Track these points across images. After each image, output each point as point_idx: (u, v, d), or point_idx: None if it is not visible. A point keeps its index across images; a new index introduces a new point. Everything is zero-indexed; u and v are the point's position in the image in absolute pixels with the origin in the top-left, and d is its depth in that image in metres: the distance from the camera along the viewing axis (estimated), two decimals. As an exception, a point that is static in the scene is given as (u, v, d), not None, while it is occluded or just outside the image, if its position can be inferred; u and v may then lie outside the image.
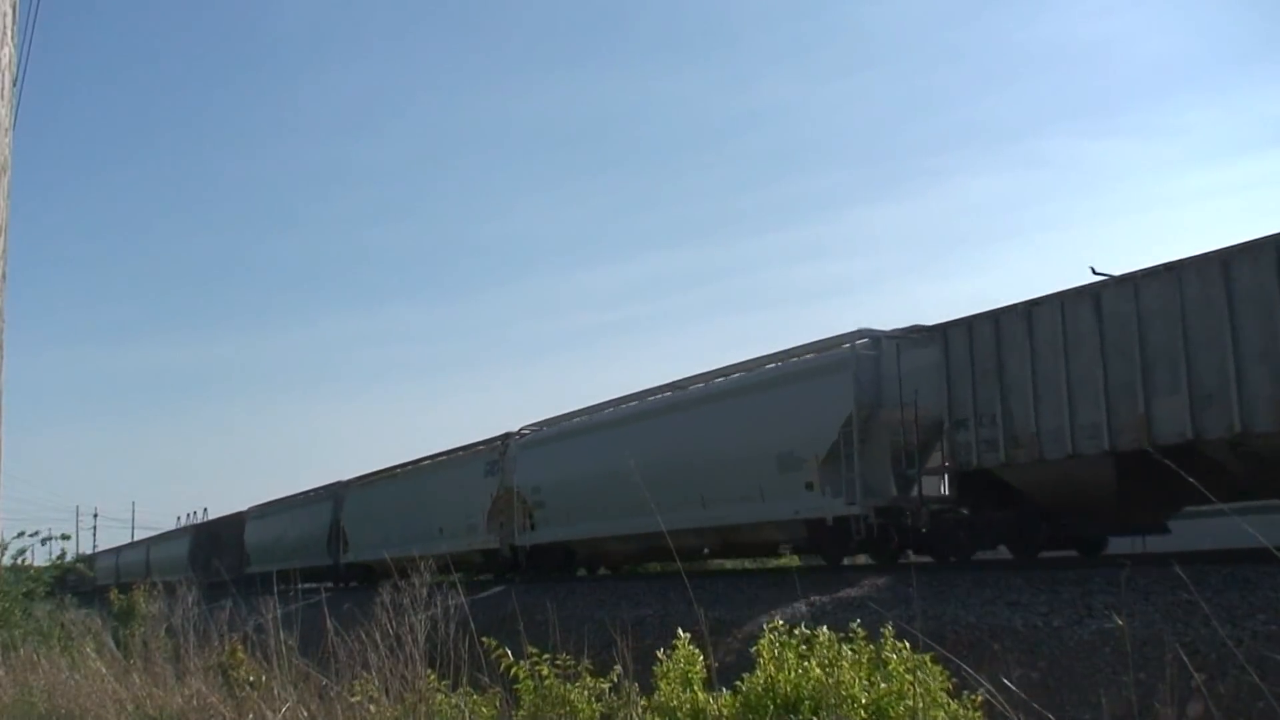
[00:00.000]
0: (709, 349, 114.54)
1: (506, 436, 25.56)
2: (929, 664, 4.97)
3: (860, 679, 4.90)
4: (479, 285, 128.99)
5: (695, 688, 5.35)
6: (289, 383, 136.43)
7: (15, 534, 17.78)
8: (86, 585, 57.20)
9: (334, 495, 34.77)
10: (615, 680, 5.80)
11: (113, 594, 24.08)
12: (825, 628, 5.39)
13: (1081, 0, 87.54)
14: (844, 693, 4.78)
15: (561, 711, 5.77)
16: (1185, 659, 8.07)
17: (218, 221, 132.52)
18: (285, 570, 35.51)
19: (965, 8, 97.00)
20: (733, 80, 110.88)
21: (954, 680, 5.12)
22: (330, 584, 33.14)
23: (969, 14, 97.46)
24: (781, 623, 5.51)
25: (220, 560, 41.39)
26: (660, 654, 5.65)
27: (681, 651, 5.58)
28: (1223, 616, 8.96)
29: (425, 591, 6.99)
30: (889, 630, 5.25)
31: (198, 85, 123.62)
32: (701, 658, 5.56)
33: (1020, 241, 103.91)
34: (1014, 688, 4.61)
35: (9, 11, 5.36)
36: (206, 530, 47.02)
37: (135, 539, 67.85)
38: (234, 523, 43.79)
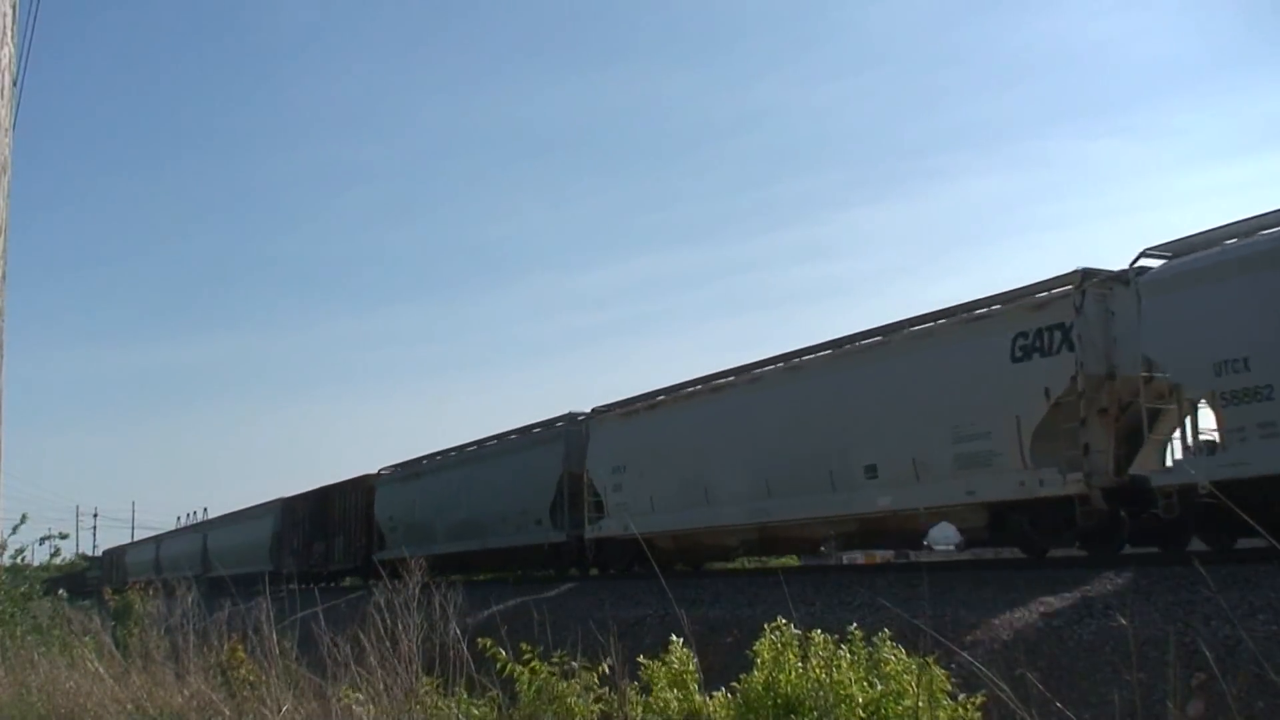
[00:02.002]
0: (710, 349, 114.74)
1: (1084, 278, 12.36)
2: (932, 665, 4.96)
3: (859, 680, 4.90)
4: (479, 285, 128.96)
5: (691, 689, 5.35)
6: (289, 383, 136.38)
7: (13, 527, 17.54)
8: (114, 582, 51.45)
9: (564, 435, 21.78)
10: (606, 671, 5.80)
11: (107, 592, 22.15)
12: (819, 631, 5.39)
13: (1081, 3, 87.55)
14: (842, 693, 4.77)
15: (558, 709, 5.76)
16: (1189, 658, 8.07)
17: (218, 223, 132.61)
18: (455, 555, 24.03)
19: (965, 9, 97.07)
20: (733, 81, 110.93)
21: (955, 680, 5.12)
22: (552, 571, 22.12)
23: (969, 16, 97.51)
24: (783, 621, 5.50)
25: (328, 545, 31.37)
26: (641, 659, 5.66)
27: (676, 654, 5.58)
28: (1223, 616, 8.95)
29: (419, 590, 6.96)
30: (885, 632, 5.25)
31: (199, 87, 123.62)
32: (695, 659, 5.56)
33: (1020, 241, 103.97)
34: (1034, 681, 4.60)
35: (9, 11, 5.35)
36: (304, 505, 34.11)
37: (160, 532, 57.08)
38: (351, 493, 30.89)
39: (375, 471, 30.03)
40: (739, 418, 17.11)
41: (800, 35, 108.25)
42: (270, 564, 34.07)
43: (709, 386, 18.37)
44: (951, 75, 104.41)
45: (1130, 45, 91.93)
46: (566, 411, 22.37)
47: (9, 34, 5.34)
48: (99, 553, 71.04)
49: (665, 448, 18.72)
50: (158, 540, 53.57)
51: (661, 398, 19.53)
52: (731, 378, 17.82)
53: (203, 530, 45.40)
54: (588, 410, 21.67)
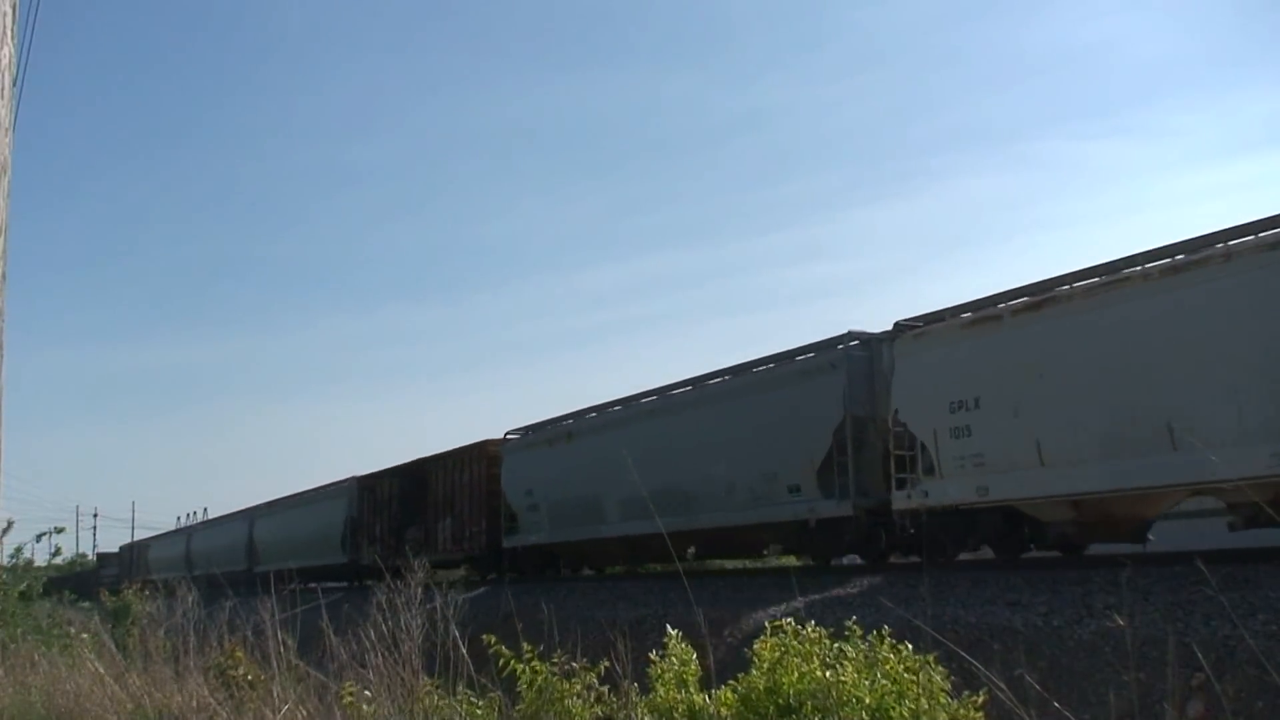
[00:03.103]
0: (709, 349, 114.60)
1: None
2: (933, 664, 4.96)
3: (863, 679, 4.90)
4: (478, 285, 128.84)
5: (690, 689, 5.34)
6: (288, 383, 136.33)
7: (2, 531, 17.41)
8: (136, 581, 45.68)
9: (844, 364, 15.01)
10: (602, 673, 5.79)
11: (103, 593, 20.81)
12: (813, 623, 5.37)
13: (1078, 4, 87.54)
14: (847, 693, 4.76)
15: (560, 709, 5.76)
16: (1188, 658, 8.07)
17: (218, 222, 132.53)
18: (639, 538, 18.02)
19: (963, 11, 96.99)
20: (732, 82, 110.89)
21: (953, 680, 5.12)
22: (810, 559, 16.15)
23: (967, 17, 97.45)
24: (784, 620, 5.48)
25: (428, 530, 25.14)
26: (654, 655, 5.65)
27: (673, 649, 5.55)
28: (1223, 616, 8.96)
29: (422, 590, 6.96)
30: (885, 630, 5.24)
31: (198, 86, 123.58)
32: (695, 657, 5.54)
33: (1019, 242, 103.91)
34: (1030, 682, 4.60)
35: (9, 11, 5.35)
36: (390, 483, 27.59)
37: (187, 523, 49.74)
38: (463, 465, 24.26)
39: (500, 436, 23.58)
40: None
41: (798, 36, 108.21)
42: (343, 555, 29.25)
43: (1170, 265, 11.40)
44: (949, 76, 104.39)
45: (1128, 46, 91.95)
46: (844, 331, 15.23)
47: (9, 34, 5.34)
48: (101, 551, 67.42)
49: (1067, 367, 12.06)
50: (188, 532, 46.09)
51: (1031, 297, 12.83)
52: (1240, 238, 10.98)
53: (248, 518, 37.79)
54: (867, 329, 15.22)
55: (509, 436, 23.50)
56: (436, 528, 25.04)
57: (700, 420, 17.62)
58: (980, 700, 4.85)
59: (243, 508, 39.87)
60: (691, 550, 15.50)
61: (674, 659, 5.49)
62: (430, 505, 25.49)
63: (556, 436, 21.88)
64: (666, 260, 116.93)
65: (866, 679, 4.89)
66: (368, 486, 28.98)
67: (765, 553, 17.84)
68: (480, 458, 23.75)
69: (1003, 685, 4.44)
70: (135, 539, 58.84)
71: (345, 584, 29.38)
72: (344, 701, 6.33)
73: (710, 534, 16.82)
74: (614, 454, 18.12)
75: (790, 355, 16.43)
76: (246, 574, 32.41)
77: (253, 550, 36.15)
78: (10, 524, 17.29)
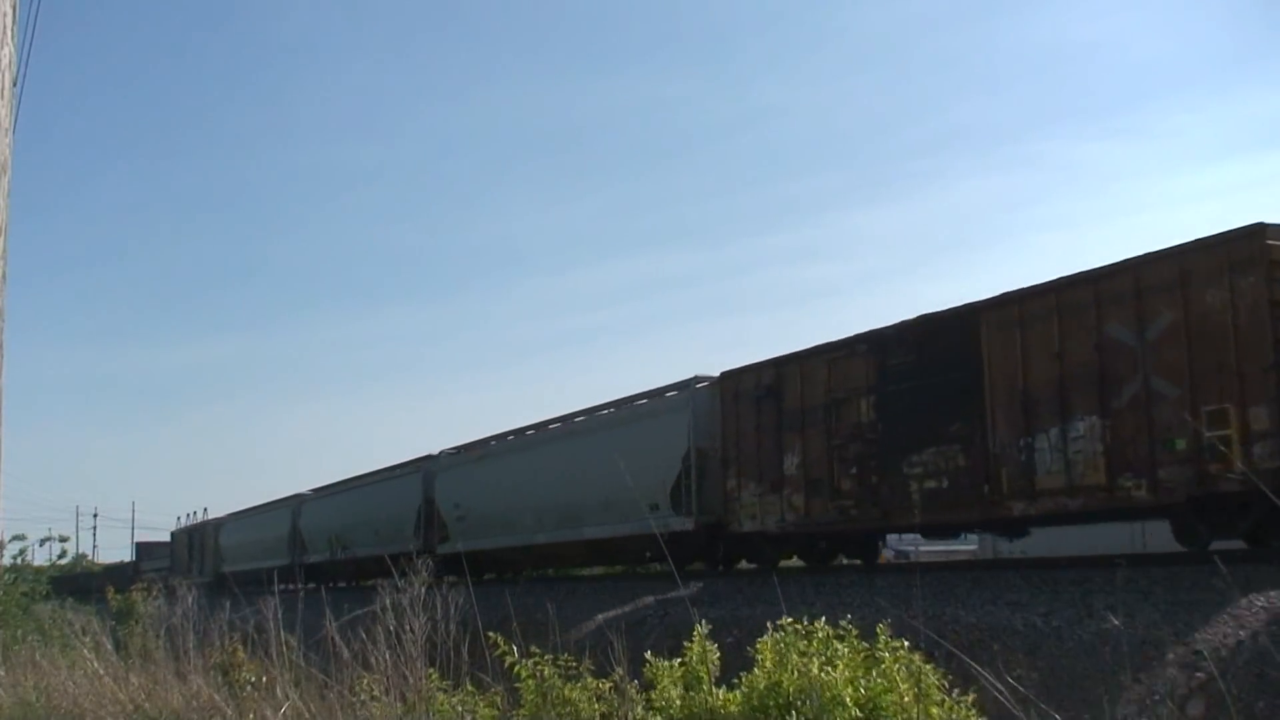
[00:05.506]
0: (704, 350, 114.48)
1: None
2: (919, 662, 4.97)
3: (855, 678, 4.91)
4: (475, 286, 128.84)
5: (705, 686, 5.36)
6: (288, 383, 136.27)
7: (13, 536, 17.64)
8: (203, 573, 33.34)
9: None
10: (615, 681, 5.80)
11: (109, 593, 20.80)
12: (823, 619, 5.39)
13: (1076, 4, 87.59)
14: (832, 693, 4.78)
15: (563, 711, 5.78)
16: (1188, 658, 8.08)
17: (217, 223, 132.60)
18: None
19: (957, 13, 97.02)
20: (725, 84, 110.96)
21: (949, 677, 5.12)
22: None
23: (960, 19, 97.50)
24: (789, 620, 5.49)
25: (990, 452, 12.38)
26: (649, 655, 5.67)
27: (696, 648, 5.57)
28: (1223, 616, 8.96)
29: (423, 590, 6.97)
30: (883, 628, 5.25)
31: (196, 88, 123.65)
32: (716, 654, 5.56)
33: (1013, 243, 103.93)
34: (1016, 685, 4.61)
35: (9, 11, 5.36)
36: (826, 370, 14.37)
37: (237, 511, 37.23)
38: (1134, 294, 10.70)
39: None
40: None
41: (791, 40, 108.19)
42: (683, 519, 16.21)
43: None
44: (943, 79, 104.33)
45: (1123, 47, 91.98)
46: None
47: (9, 34, 5.35)
48: (141, 540, 57.28)
49: None
50: (295, 503, 30.97)
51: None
52: None
53: (421, 472, 23.77)
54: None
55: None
56: (1028, 443, 12.12)
57: None
58: (971, 699, 4.86)
59: (413, 457, 25.39)
60: None
61: (693, 655, 5.51)
62: (998, 399, 12.44)
63: None
64: (661, 261, 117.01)
65: (862, 676, 4.91)
66: (750, 386, 15.54)
67: None
68: (1245, 264, 10.15)
69: (999, 686, 4.44)
70: (201, 521, 41.43)
71: (692, 573, 16.71)
72: (360, 699, 6.35)
73: None
74: None
75: None
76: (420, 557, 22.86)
77: (431, 521, 22.42)
78: (3, 545, 17.40)
